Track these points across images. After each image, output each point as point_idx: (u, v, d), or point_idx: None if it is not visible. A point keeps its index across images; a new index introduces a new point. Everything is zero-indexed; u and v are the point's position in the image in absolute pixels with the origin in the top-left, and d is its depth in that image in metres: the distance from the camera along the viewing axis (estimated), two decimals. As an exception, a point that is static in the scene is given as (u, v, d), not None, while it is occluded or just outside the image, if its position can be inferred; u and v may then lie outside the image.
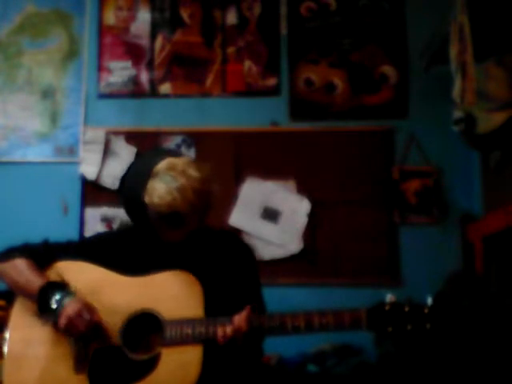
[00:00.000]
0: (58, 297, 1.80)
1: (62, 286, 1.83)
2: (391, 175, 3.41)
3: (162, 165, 1.79)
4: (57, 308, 1.79)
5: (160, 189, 1.75)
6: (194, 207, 1.76)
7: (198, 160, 1.92)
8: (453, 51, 2.71)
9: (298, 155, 3.45)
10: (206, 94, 3.55)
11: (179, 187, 1.74)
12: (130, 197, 1.86)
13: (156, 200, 1.75)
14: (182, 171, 1.76)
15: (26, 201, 3.45)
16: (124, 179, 1.93)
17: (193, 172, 1.77)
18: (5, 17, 3.61)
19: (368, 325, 1.71)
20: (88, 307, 1.80)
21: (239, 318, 1.75)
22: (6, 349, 1.85)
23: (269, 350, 2.01)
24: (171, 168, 1.77)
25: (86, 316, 1.78)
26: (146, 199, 1.77)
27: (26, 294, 1.87)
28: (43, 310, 1.82)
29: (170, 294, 1.83)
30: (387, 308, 1.71)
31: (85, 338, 1.80)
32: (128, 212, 1.90)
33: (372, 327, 1.72)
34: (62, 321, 1.77)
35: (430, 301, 1.69)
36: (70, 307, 1.78)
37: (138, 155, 1.85)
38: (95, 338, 1.80)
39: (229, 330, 1.73)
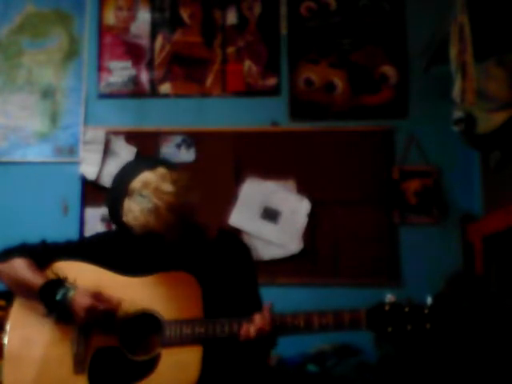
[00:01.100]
0: (60, 294, 1.80)
1: (60, 283, 1.83)
2: (391, 175, 3.41)
3: (137, 182, 1.79)
4: (65, 305, 1.79)
5: (134, 210, 1.76)
6: (169, 225, 1.76)
7: (180, 168, 1.90)
8: (453, 51, 2.71)
9: (297, 155, 3.45)
10: (205, 94, 3.55)
11: (152, 208, 1.74)
12: (110, 215, 1.88)
13: (131, 221, 1.76)
14: (155, 189, 1.76)
15: (25, 201, 3.45)
16: (106, 194, 1.95)
17: (167, 187, 1.77)
18: (5, 17, 3.61)
19: (368, 325, 1.71)
20: (94, 294, 1.80)
21: (262, 318, 1.75)
22: (5, 349, 1.85)
23: (268, 350, 2.01)
24: (145, 186, 1.77)
25: (100, 307, 1.78)
26: (124, 219, 1.78)
27: (26, 293, 1.87)
28: (50, 309, 1.81)
29: (169, 294, 1.83)
30: (387, 308, 1.71)
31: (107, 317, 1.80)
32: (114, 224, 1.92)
33: (372, 327, 1.72)
34: (81, 314, 1.78)
35: (429, 301, 1.69)
36: (80, 299, 1.78)
37: (120, 168, 1.88)
38: (115, 314, 1.80)
39: (252, 329, 1.73)
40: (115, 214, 1.83)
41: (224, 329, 1.76)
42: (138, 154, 3.44)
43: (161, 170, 1.82)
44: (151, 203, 1.74)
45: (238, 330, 1.76)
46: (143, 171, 1.81)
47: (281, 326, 1.76)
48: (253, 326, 1.74)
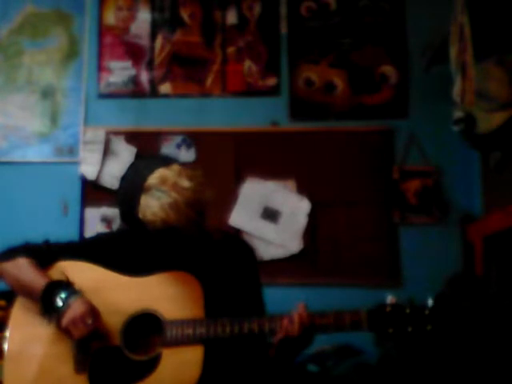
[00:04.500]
0: (63, 295, 1.79)
1: (66, 285, 1.82)
2: (391, 175, 3.41)
3: (153, 179, 1.77)
4: (62, 306, 1.78)
5: (153, 206, 1.74)
6: (189, 219, 1.75)
7: (191, 165, 1.91)
8: (453, 51, 2.72)
9: (298, 155, 3.45)
10: (205, 94, 3.55)
11: (172, 203, 1.72)
12: (124, 212, 1.87)
13: (150, 217, 1.74)
14: (173, 184, 1.75)
15: (25, 201, 3.45)
16: (118, 192, 1.92)
17: (185, 183, 1.76)
18: (5, 17, 3.61)
19: (369, 326, 1.72)
20: (92, 310, 1.80)
21: (301, 315, 1.74)
22: (6, 348, 1.85)
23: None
24: (162, 182, 1.76)
25: (88, 321, 1.77)
26: (140, 215, 1.77)
27: (29, 293, 1.86)
28: (48, 308, 1.81)
29: (171, 294, 1.83)
30: (388, 310, 1.71)
31: (83, 340, 1.80)
32: (126, 224, 1.91)
33: (373, 329, 1.72)
34: (64, 321, 1.77)
35: (430, 302, 1.69)
36: (75, 309, 1.77)
37: (130, 165, 1.86)
38: (95, 339, 1.80)
39: (296, 326, 1.73)
40: (129, 212, 1.81)
41: (225, 329, 1.76)
42: (138, 154, 3.44)
43: (176, 167, 1.81)
44: (171, 198, 1.73)
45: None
46: (158, 168, 1.80)
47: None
48: (295, 323, 1.74)
